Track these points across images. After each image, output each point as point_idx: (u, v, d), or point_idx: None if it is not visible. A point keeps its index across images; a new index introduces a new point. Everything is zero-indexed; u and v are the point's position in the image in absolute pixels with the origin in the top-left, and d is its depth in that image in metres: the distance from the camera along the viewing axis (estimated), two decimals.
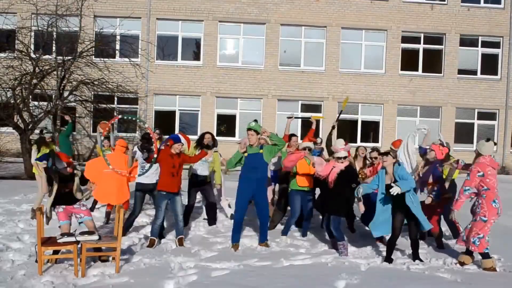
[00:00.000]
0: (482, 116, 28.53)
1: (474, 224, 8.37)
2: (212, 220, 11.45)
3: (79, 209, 8.44)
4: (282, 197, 11.22)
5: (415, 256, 8.76)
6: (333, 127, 11.90)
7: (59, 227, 8.43)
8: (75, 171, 8.56)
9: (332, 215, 9.15)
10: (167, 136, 11.63)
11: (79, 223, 8.61)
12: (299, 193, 10.25)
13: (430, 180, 9.85)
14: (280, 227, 11.08)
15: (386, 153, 8.86)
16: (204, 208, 12.17)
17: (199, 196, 11.92)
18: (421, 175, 10.07)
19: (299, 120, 26.50)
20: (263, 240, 9.59)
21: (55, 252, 8.05)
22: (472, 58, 28.56)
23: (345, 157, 9.21)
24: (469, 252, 8.62)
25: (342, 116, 26.31)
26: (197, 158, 10.22)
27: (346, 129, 27.02)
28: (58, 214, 8.34)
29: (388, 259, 8.62)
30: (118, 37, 24.60)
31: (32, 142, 12.28)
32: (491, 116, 28.56)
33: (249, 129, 9.29)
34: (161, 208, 9.49)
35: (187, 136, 10.49)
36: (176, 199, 9.57)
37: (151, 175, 10.00)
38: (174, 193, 9.54)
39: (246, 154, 9.30)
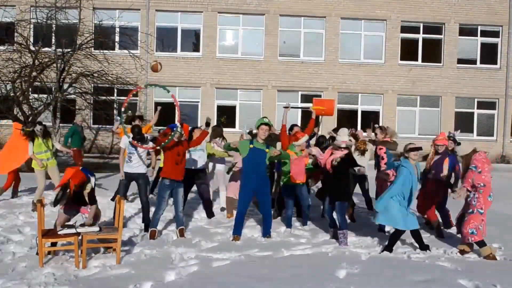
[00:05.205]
0: (482, 105, 28.50)
1: (471, 216, 8.41)
2: (209, 214, 11.46)
3: (85, 210, 8.41)
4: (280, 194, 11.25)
5: (420, 246, 8.80)
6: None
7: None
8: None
9: (338, 201, 9.17)
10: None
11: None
12: (292, 186, 10.27)
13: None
14: (279, 218, 11.13)
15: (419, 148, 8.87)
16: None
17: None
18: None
19: (299, 111, 26.56)
20: (266, 234, 9.58)
21: (54, 244, 8.06)
22: (472, 47, 28.51)
23: (346, 148, 9.25)
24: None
25: (342, 106, 26.37)
26: (199, 139, 10.12)
27: (346, 119, 27.04)
28: (63, 207, 8.29)
29: (389, 248, 8.62)
30: (117, 29, 24.51)
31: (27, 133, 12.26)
32: (491, 105, 28.53)
33: (263, 124, 9.35)
34: (164, 198, 9.50)
35: (187, 125, 10.45)
36: (178, 190, 9.58)
37: (137, 165, 10.03)
38: (178, 182, 9.54)
39: (251, 146, 9.33)
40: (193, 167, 10.99)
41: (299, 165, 9.97)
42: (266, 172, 9.72)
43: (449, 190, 9.76)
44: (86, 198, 8.17)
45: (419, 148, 8.82)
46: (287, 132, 11.05)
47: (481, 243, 8.38)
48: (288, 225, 10.30)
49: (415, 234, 8.83)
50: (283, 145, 10.62)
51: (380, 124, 11.36)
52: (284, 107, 11.45)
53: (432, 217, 9.99)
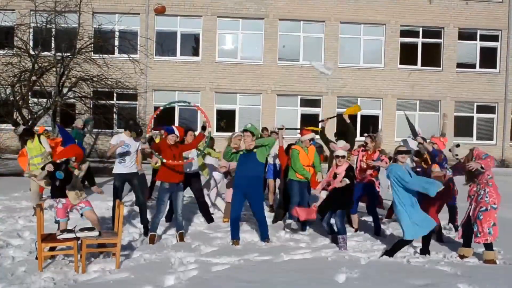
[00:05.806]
0: (481, 109, 28.51)
1: (486, 214, 8.31)
2: (208, 219, 11.41)
3: (84, 200, 8.42)
4: (284, 193, 11.24)
5: (422, 249, 8.81)
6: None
7: (56, 222, 8.42)
8: (80, 166, 8.46)
9: (339, 209, 9.19)
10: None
11: (81, 214, 8.58)
12: (298, 182, 10.40)
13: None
14: (280, 222, 11.13)
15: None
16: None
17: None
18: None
19: (299, 115, 26.66)
20: (264, 238, 9.57)
21: (52, 248, 8.05)
22: (471, 51, 28.53)
23: (343, 156, 9.25)
24: (468, 244, 8.63)
25: (342, 110, 26.36)
26: (195, 142, 10.04)
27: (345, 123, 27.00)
28: (57, 211, 8.31)
29: (390, 254, 8.60)
30: (117, 33, 24.51)
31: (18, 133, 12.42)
32: (490, 109, 28.54)
33: (245, 131, 9.41)
34: (163, 202, 9.48)
35: (181, 127, 10.46)
36: (179, 193, 9.58)
37: (130, 165, 10.03)
38: (177, 185, 9.54)
39: (241, 152, 9.37)
40: (187, 170, 10.84)
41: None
42: (260, 174, 9.65)
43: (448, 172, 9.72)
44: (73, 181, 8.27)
45: (408, 152, 8.87)
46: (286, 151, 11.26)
47: (490, 246, 8.36)
48: (290, 217, 10.28)
49: (426, 236, 8.81)
50: (282, 163, 11.31)
51: (374, 132, 11.40)
52: (279, 129, 11.61)
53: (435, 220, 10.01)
